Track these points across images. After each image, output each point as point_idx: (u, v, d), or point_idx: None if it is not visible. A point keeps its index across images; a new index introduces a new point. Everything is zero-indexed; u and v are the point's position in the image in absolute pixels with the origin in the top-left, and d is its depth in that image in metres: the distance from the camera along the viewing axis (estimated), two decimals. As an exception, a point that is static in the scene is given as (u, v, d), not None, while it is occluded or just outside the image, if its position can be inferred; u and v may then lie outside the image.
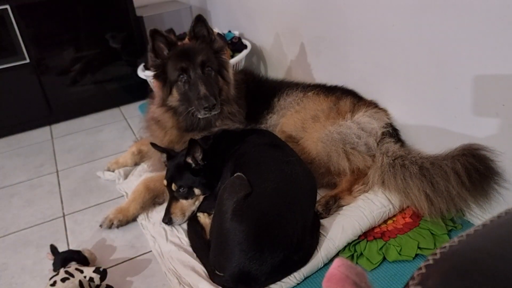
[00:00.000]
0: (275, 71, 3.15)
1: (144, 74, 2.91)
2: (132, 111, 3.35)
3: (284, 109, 2.22)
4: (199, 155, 1.81)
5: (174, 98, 2.00)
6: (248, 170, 1.68)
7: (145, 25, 3.41)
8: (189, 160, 1.81)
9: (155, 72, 2.00)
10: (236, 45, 3.18)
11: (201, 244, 1.66)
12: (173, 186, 1.80)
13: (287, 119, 2.15)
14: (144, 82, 3.02)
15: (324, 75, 2.54)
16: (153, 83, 2.28)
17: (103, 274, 1.45)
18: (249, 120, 2.18)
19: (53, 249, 1.59)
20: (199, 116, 1.95)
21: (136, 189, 2.01)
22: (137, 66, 3.14)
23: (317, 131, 2.03)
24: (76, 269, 1.44)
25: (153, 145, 1.97)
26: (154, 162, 2.25)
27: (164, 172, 1.92)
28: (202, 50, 1.96)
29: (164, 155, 1.95)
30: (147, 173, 2.28)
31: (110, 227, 1.88)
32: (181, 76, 1.93)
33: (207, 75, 1.95)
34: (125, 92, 3.44)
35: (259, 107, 2.25)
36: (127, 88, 3.45)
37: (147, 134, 2.28)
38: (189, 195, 1.81)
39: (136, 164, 2.45)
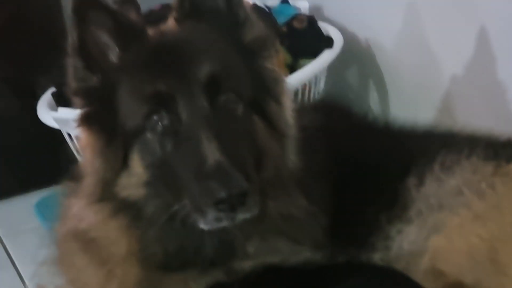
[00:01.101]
0: (412, 106, 3.18)
1: (55, 115, 3.04)
2: (18, 217, 3.46)
3: (438, 208, 2.21)
4: None
5: (136, 179, 2.04)
6: None
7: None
8: None
9: (85, 109, 2.07)
10: (305, 37, 3.30)
11: None
12: None
13: (450, 239, 2.13)
14: (55, 137, 3.13)
15: None
16: (79, 140, 2.34)
17: None
18: (337, 239, 2.19)
19: None
20: (201, 225, 1.95)
21: None
22: (36, 98, 3.31)
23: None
24: None
25: None
26: None
27: None
28: (210, 46, 2.04)
29: None
30: None
31: None
32: (155, 116, 1.98)
33: (226, 113, 2.00)
34: (0, 168, 3.65)
35: (364, 201, 2.26)
36: (9, 156, 3.65)
37: (60, 278, 2.30)
38: None
39: None
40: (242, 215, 1.90)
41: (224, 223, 1.91)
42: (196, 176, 1.88)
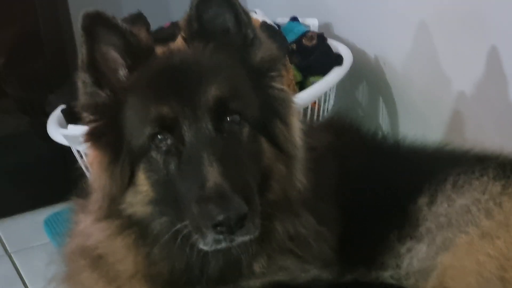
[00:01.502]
0: (421, 124, 3.18)
1: (65, 132, 3.05)
2: (27, 234, 3.49)
3: (447, 227, 2.21)
4: None
5: (142, 197, 2.05)
6: None
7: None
8: None
9: (92, 125, 2.08)
10: (314, 55, 3.30)
11: None
12: None
13: (458, 257, 2.13)
14: (65, 154, 3.14)
15: None
16: (87, 156, 2.34)
17: None
18: (346, 257, 2.19)
19: None
20: (201, 246, 1.96)
21: None
22: (46, 115, 3.33)
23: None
24: None
25: None
26: None
27: None
28: (217, 68, 2.05)
29: None
30: None
31: None
32: (159, 138, 2.00)
33: (230, 136, 2.01)
34: (8, 183, 3.69)
35: (375, 219, 2.26)
36: (19, 172, 3.69)
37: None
38: None
39: None
40: (240, 238, 1.92)
41: (223, 245, 1.92)
42: (196, 198, 1.90)
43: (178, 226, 1.97)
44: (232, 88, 2.02)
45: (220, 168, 1.89)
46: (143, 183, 2.03)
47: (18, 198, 3.71)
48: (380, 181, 2.33)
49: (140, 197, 2.05)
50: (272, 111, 2.10)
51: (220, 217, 1.83)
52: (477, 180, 2.26)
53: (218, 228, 1.85)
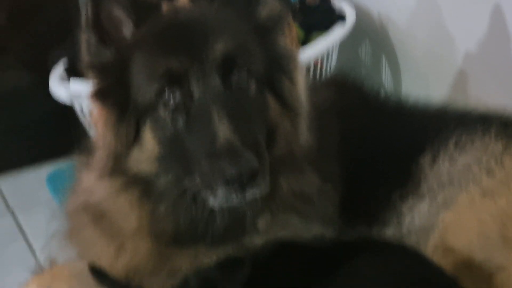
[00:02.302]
0: (424, 83, 3.20)
1: (67, 88, 3.09)
2: (29, 190, 3.54)
3: (449, 186, 2.23)
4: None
5: (148, 154, 2.07)
6: None
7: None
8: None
9: (98, 84, 2.09)
10: (317, 12, 3.32)
11: None
12: None
13: (460, 215, 2.15)
14: (66, 111, 3.17)
15: None
16: (91, 114, 2.36)
17: None
18: (348, 216, 2.21)
19: None
20: (211, 203, 1.98)
21: None
22: (48, 70, 3.36)
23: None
24: None
25: (94, 272, 2.05)
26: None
27: None
28: (224, 24, 2.06)
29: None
30: None
31: None
32: (167, 93, 2.00)
33: (238, 91, 2.02)
34: (11, 139, 3.75)
35: (377, 178, 2.29)
36: (21, 128, 3.73)
37: (71, 251, 2.35)
38: None
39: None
40: (252, 194, 1.92)
41: (234, 201, 1.93)
42: (207, 154, 1.90)
43: (187, 183, 1.99)
44: (239, 44, 2.03)
45: (230, 124, 1.90)
46: (149, 140, 2.04)
47: (20, 154, 3.74)
48: (383, 140, 2.35)
49: (146, 155, 2.06)
50: (278, 68, 2.11)
51: (232, 173, 1.84)
52: (479, 139, 2.28)
53: (230, 184, 1.86)
